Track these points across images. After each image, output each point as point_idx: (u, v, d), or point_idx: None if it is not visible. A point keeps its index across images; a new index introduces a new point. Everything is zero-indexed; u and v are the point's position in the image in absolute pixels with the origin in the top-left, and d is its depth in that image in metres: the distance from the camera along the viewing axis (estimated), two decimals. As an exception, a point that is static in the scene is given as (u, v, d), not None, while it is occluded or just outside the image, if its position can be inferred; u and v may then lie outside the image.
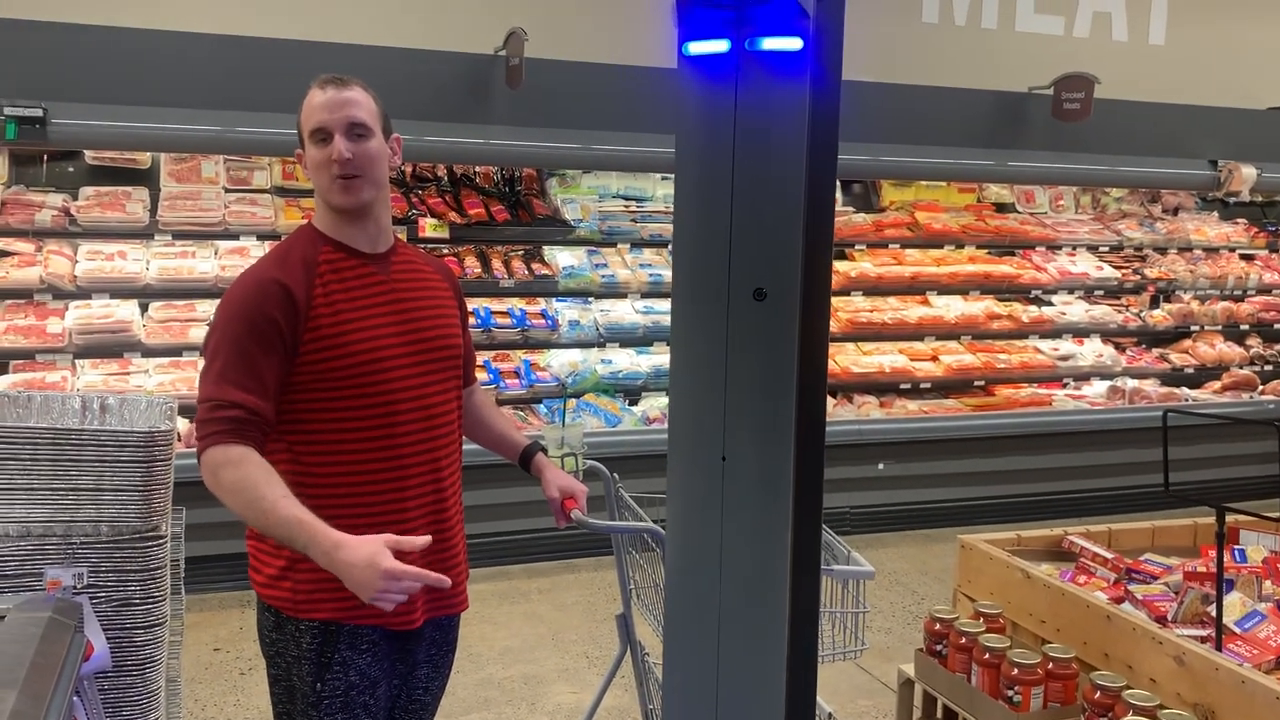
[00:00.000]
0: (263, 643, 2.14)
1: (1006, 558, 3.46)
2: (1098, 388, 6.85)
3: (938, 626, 3.24)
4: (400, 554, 1.84)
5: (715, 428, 1.63)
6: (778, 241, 1.59)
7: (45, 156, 5.46)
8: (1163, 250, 7.40)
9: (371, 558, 1.79)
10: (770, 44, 1.54)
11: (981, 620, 3.21)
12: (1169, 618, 3.09)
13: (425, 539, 1.90)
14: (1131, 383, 6.80)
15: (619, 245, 6.19)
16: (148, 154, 5.53)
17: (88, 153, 5.43)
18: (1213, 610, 2.98)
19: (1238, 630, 2.96)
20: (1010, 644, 3.05)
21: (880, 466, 6.00)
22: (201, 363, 2.07)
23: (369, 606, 2.00)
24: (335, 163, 2.00)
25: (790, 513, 1.60)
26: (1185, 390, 6.95)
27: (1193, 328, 7.28)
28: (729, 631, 1.66)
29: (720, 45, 1.57)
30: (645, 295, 6.07)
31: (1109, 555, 3.48)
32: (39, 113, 4.71)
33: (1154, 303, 7.31)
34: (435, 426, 2.11)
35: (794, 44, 1.54)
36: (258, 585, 2.10)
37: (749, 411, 1.62)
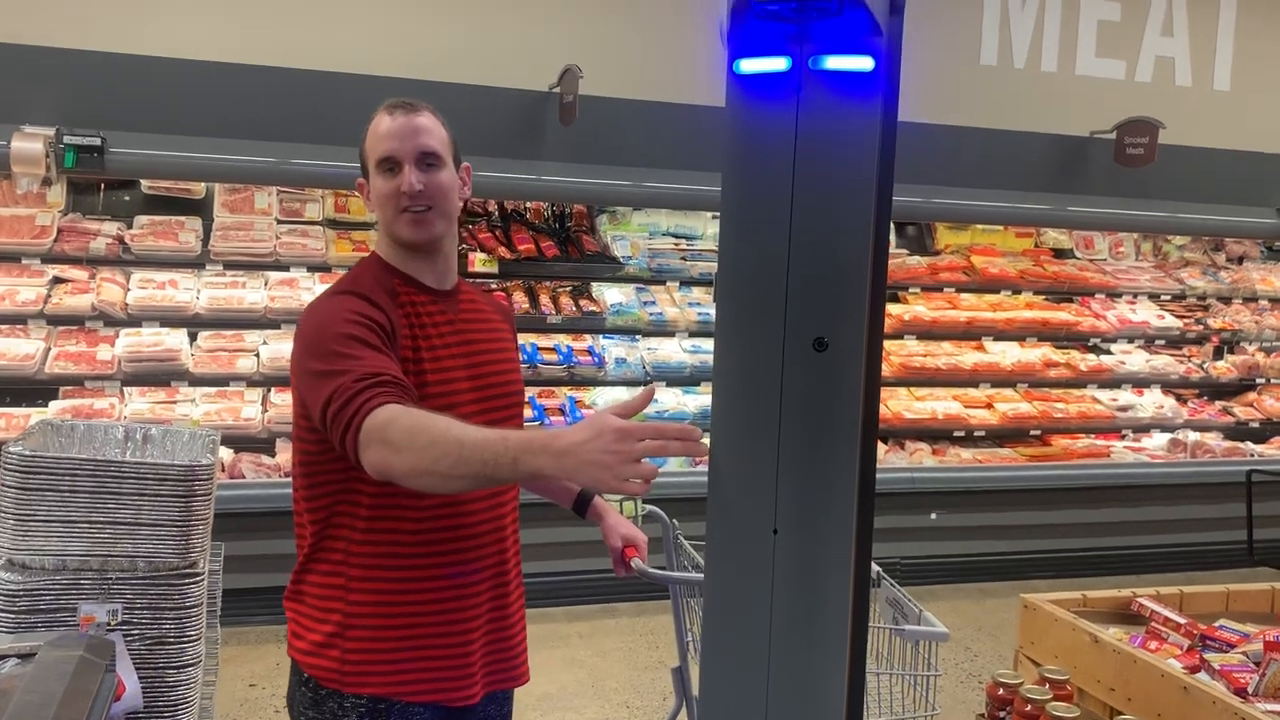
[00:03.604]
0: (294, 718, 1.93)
1: (1072, 619, 3.29)
2: (1158, 440, 6.63)
3: (1001, 691, 3.07)
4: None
5: (766, 498, 1.43)
6: (843, 284, 1.42)
7: (102, 185, 5.52)
8: (1227, 300, 7.19)
9: (599, 422, 1.47)
10: (836, 63, 1.35)
11: (1047, 686, 3.04)
12: (1249, 690, 2.90)
13: (651, 389, 1.64)
14: (1193, 435, 6.57)
15: (668, 283, 6.12)
16: (202, 184, 5.57)
17: (144, 182, 5.48)
18: (1298, 684, 2.80)
19: (1326, 707, 2.77)
20: (1080, 713, 2.88)
21: (933, 516, 5.83)
22: (278, 398, 1.94)
23: (424, 680, 1.84)
24: (404, 194, 1.86)
25: (851, 595, 1.44)
26: (1250, 445, 6.70)
27: (1258, 380, 7.05)
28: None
29: (778, 63, 1.36)
30: (693, 334, 5.98)
31: (1182, 620, 3.30)
32: (97, 142, 4.76)
33: (1218, 354, 7.09)
34: None
35: (864, 64, 1.34)
36: (298, 653, 1.90)
37: (806, 477, 1.43)
